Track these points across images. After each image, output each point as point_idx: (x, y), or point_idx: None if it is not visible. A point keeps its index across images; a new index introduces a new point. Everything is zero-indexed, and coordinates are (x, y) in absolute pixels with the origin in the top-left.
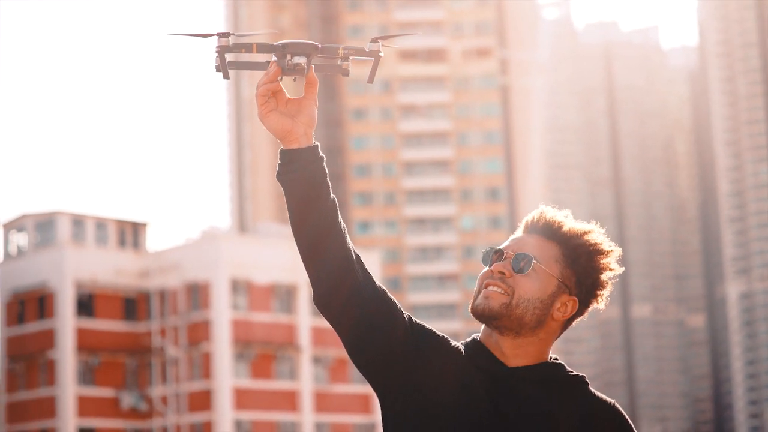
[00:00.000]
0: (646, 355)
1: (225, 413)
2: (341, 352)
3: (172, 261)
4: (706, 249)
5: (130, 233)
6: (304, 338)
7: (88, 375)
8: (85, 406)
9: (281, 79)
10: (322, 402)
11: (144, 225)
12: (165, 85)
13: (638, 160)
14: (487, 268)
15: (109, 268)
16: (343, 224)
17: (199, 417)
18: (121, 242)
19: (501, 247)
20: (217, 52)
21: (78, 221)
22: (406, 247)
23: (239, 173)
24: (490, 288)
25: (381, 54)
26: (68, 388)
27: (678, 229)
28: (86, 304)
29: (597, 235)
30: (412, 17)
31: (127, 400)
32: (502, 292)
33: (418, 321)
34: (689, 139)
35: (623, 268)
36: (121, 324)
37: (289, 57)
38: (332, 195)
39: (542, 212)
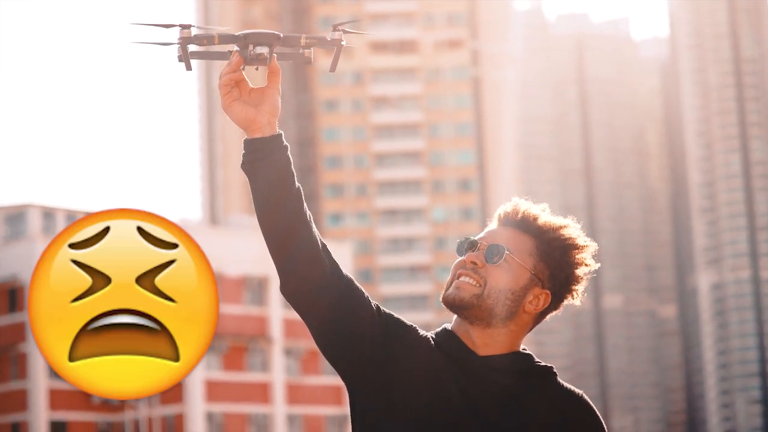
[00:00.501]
0: (618, 345)
1: (197, 405)
2: (313, 344)
3: None
4: (677, 240)
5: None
6: (276, 330)
7: None
8: (57, 400)
9: (243, 69)
10: (294, 394)
11: None
12: (136, 77)
13: (609, 151)
14: (460, 258)
15: None
16: (308, 213)
17: (170, 410)
18: None
19: (475, 238)
20: (178, 43)
21: (48, 214)
22: (378, 239)
23: (210, 165)
24: (462, 278)
25: (343, 43)
26: (39, 381)
27: (649, 219)
28: None
29: (573, 229)
30: (384, 8)
31: None
32: (474, 282)
33: (387, 310)
34: (660, 130)
35: (599, 264)
36: None
37: (251, 47)
38: (297, 183)
39: (517, 205)
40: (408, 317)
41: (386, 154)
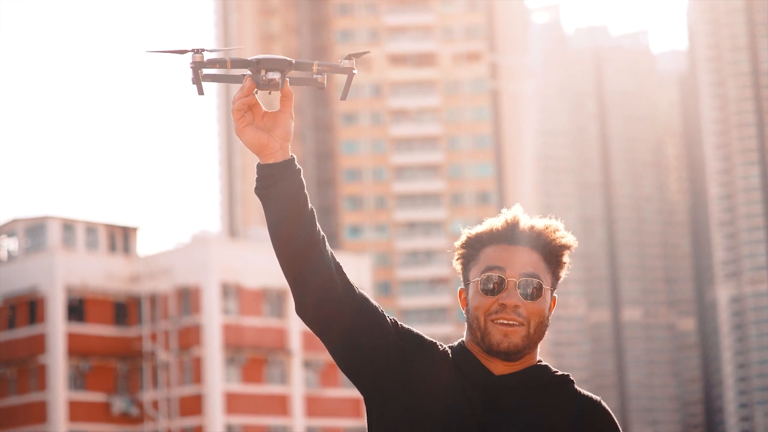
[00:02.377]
0: (637, 358)
1: (216, 418)
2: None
3: (163, 266)
4: (696, 252)
5: (121, 238)
6: (295, 342)
7: (78, 380)
8: (76, 411)
9: (256, 93)
10: (313, 406)
11: (134, 229)
12: (155, 90)
13: (628, 163)
14: (488, 298)
15: (100, 272)
16: (322, 234)
17: (190, 422)
18: (112, 247)
19: (497, 272)
20: (191, 67)
21: (68, 226)
22: (397, 252)
23: (229, 178)
24: (507, 324)
25: (354, 71)
26: (59, 393)
27: (668, 232)
28: (77, 309)
29: (562, 231)
30: (402, 21)
31: (118, 404)
32: (519, 324)
33: (405, 326)
34: (679, 143)
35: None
36: (111, 329)
37: (263, 72)
38: (310, 206)
39: (516, 218)
40: (427, 330)
41: (405, 166)
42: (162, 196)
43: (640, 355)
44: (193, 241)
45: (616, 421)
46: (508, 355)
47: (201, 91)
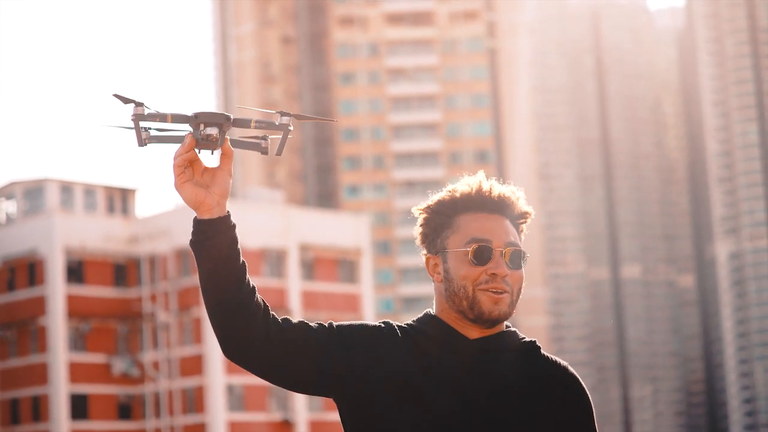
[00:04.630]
0: (637, 315)
1: (217, 378)
2: (332, 315)
3: (162, 227)
4: (695, 209)
5: (119, 199)
6: (295, 302)
7: (79, 341)
8: (77, 373)
9: (200, 151)
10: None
11: (133, 191)
12: (152, 50)
13: (626, 121)
14: (476, 268)
15: (99, 234)
16: (252, 286)
17: (190, 382)
18: (110, 208)
19: (485, 242)
20: (132, 119)
21: (66, 188)
22: (396, 211)
23: None
24: (498, 293)
25: (290, 128)
26: (59, 354)
27: (667, 189)
28: (76, 271)
29: (522, 197)
30: None
31: (119, 365)
32: (502, 291)
33: (342, 323)
34: (677, 100)
35: None
36: (111, 290)
37: (201, 127)
38: (242, 260)
39: (491, 187)
40: (426, 288)
41: (403, 126)
42: (160, 156)
43: (640, 312)
44: None
45: (584, 385)
46: (495, 323)
47: (141, 143)
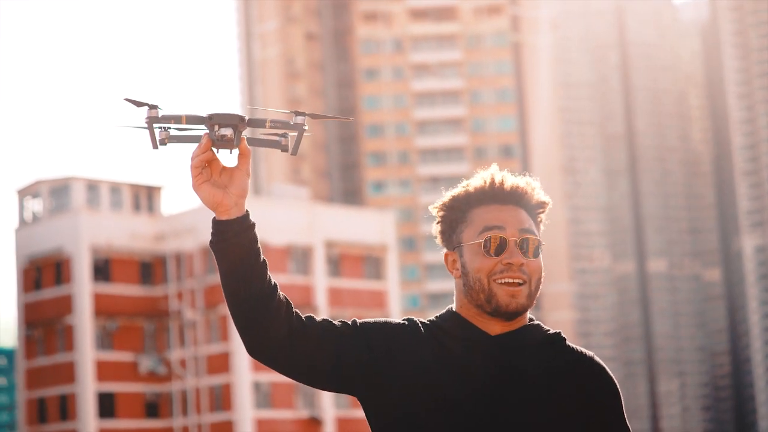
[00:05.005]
0: (663, 310)
1: (244, 375)
2: (358, 312)
3: (188, 224)
4: (720, 202)
5: (145, 197)
6: (321, 299)
7: (106, 340)
8: (104, 371)
9: (218, 150)
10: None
11: (158, 189)
12: (177, 49)
13: (651, 114)
14: (490, 258)
15: (125, 232)
16: (272, 283)
17: (218, 379)
18: (136, 206)
19: (497, 231)
20: (146, 122)
21: (92, 186)
22: (421, 207)
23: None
24: (512, 283)
25: (305, 128)
26: (87, 353)
27: (692, 183)
28: (103, 269)
29: (539, 188)
30: None
31: (146, 363)
32: (522, 283)
33: (366, 321)
34: (702, 93)
35: None
36: (138, 288)
37: (216, 128)
38: (262, 258)
39: (503, 178)
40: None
41: (428, 121)
42: (185, 154)
43: (666, 306)
44: None
45: (611, 374)
46: (513, 316)
47: (155, 146)
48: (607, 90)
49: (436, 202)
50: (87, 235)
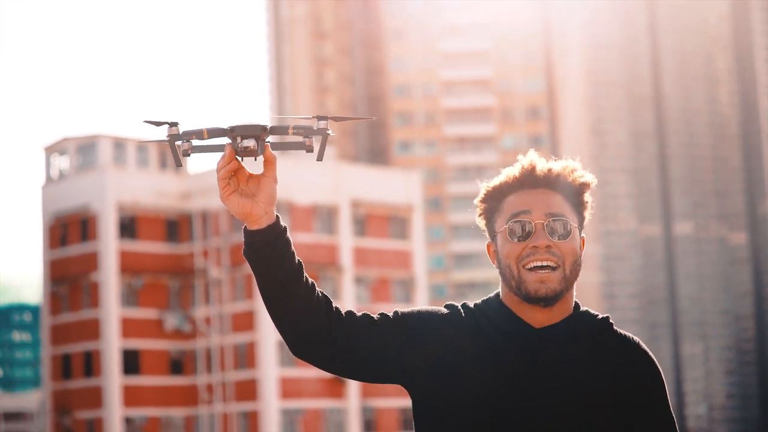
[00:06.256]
0: (688, 272)
1: (269, 333)
2: (383, 272)
3: (214, 182)
4: (747, 166)
5: (172, 155)
6: (346, 258)
7: (131, 297)
8: (129, 328)
9: (243, 159)
10: None
11: None
12: (205, 7)
13: (679, 77)
14: (517, 243)
15: (151, 190)
16: (309, 284)
17: (242, 338)
18: (163, 164)
19: (523, 217)
20: (167, 140)
21: (119, 144)
22: (447, 167)
23: (279, 94)
24: (543, 269)
25: (329, 132)
26: (112, 310)
27: (719, 145)
28: (128, 227)
29: (580, 170)
30: None
31: (171, 321)
32: (554, 266)
33: (408, 311)
34: (729, 56)
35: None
36: (163, 246)
37: (239, 139)
38: (297, 260)
39: (533, 162)
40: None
41: (455, 82)
42: (212, 113)
43: (692, 269)
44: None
45: (655, 361)
46: (547, 301)
47: (179, 163)
48: (635, 52)
49: (478, 195)
50: (113, 192)
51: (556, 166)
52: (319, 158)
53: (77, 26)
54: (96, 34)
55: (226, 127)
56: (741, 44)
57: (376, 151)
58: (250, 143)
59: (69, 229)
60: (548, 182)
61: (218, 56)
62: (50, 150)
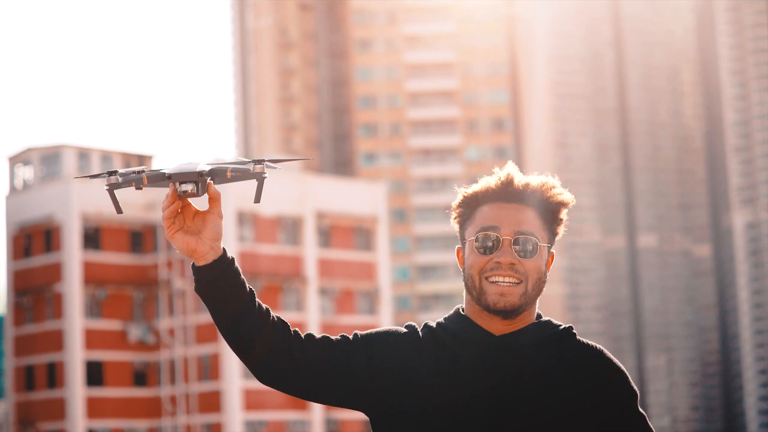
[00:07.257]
0: (652, 285)
1: None
2: (348, 283)
3: None
4: (711, 178)
5: (136, 165)
6: (311, 270)
7: (95, 308)
8: (93, 339)
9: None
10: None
11: (149, 157)
12: (169, 17)
13: (644, 89)
14: (483, 257)
15: None
16: (264, 308)
17: (206, 349)
18: None
19: (491, 231)
20: (107, 190)
21: (83, 154)
22: (412, 178)
23: (244, 105)
24: (501, 281)
25: (265, 175)
26: (75, 321)
27: (683, 158)
28: (92, 237)
29: (559, 187)
30: None
31: (135, 332)
32: (515, 281)
33: (366, 332)
34: (695, 69)
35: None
36: (127, 257)
37: (178, 184)
38: (248, 288)
39: (509, 176)
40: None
41: (420, 93)
42: (177, 123)
43: (655, 281)
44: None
45: (621, 367)
46: (506, 314)
47: (119, 210)
48: (600, 64)
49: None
50: (77, 203)
51: (535, 181)
52: (256, 200)
53: (41, 37)
54: (60, 44)
55: (165, 173)
56: (706, 58)
57: (340, 162)
58: (188, 187)
59: (33, 240)
60: (522, 197)
61: (183, 66)
62: (14, 160)
